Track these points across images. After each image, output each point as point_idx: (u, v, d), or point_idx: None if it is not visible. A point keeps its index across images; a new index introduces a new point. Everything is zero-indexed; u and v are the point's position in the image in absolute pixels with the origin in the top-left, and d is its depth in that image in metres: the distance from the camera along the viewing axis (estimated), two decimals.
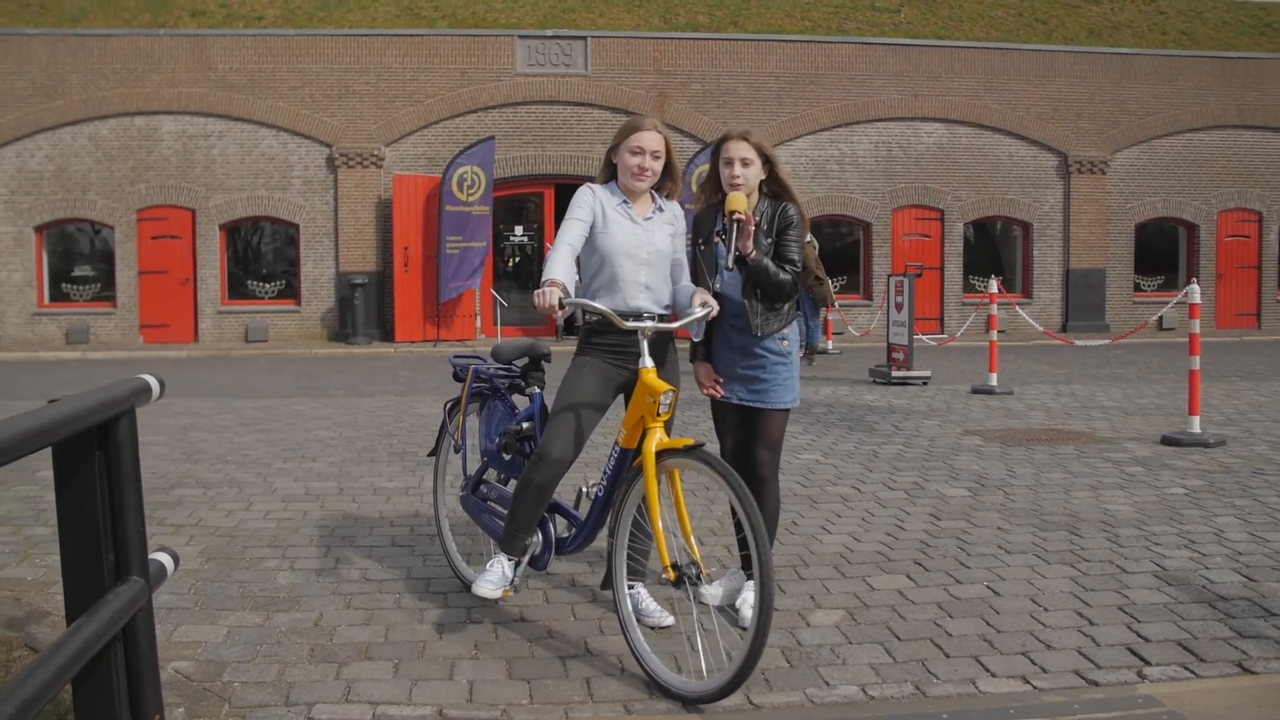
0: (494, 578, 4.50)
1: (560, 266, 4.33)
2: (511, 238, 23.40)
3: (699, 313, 4.43)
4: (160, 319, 22.30)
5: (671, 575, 3.98)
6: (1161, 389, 13.29)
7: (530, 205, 23.49)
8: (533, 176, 22.90)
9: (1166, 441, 9.27)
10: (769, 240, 4.73)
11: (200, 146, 22.25)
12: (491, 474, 5.22)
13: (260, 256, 23.40)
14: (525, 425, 4.84)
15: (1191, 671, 4.19)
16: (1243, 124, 25.08)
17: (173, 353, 20.61)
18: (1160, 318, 22.81)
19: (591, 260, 4.60)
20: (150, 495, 7.36)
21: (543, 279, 4.29)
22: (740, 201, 4.52)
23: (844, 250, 24.27)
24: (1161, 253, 25.50)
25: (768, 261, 4.61)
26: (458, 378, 5.33)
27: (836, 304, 21.43)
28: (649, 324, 4.32)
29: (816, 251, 17.68)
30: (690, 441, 4.05)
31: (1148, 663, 4.27)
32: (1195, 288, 9.80)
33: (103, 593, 3.05)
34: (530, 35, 22.69)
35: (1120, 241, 24.85)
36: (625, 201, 4.62)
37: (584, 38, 22.77)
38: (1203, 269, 24.85)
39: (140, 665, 3.21)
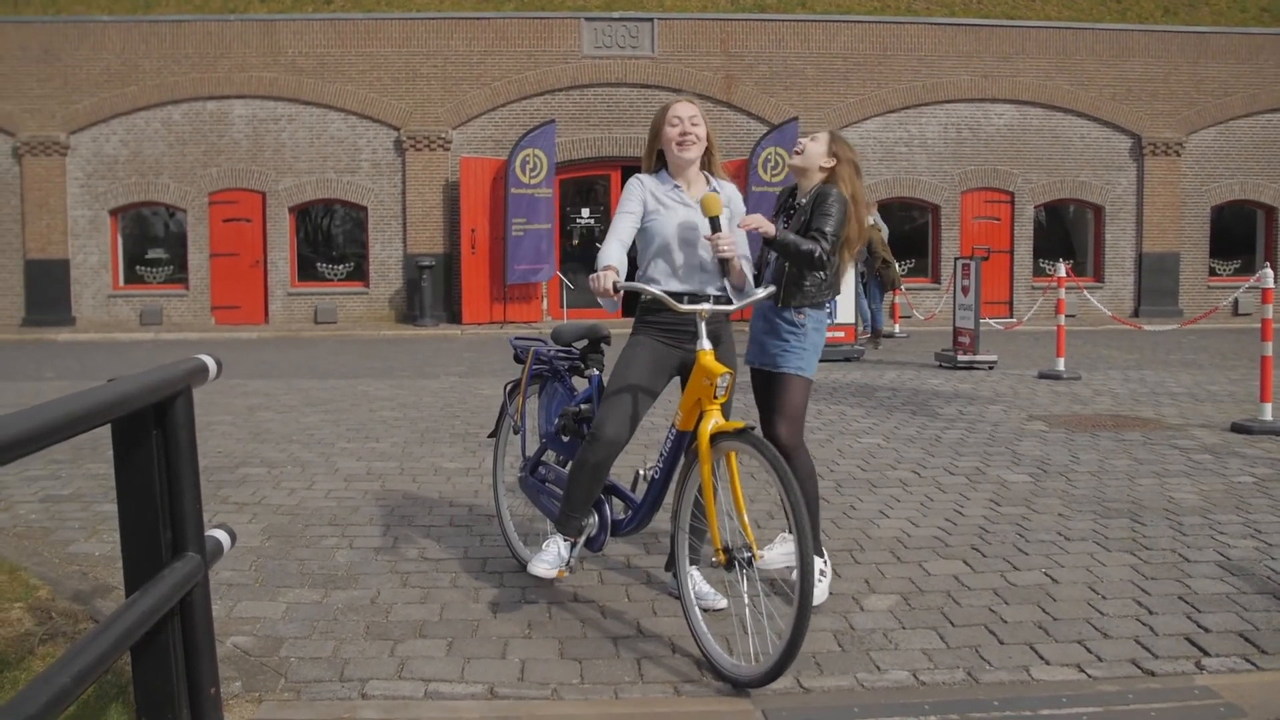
0: (549, 557, 4.52)
1: (613, 253, 4.42)
2: (579, 220, 23.45)
3: (760, 293, 4.51)
4: (231, 301, 22.63)
5: (722, 558, 4.00)
6: (1234, 375, 13.04)
7: (598, 188, 23.52)
8: (599, 159, 22.92)
9: (1237, 429, 9.10)
10: (804, 219, 4.82)
11: (270, 130, 22.52)
12: (550, 455, 5.21)
13: (329, 239, 23.66)
14: (584, 407, 4.83)
15: (1252, 663, 4.13)
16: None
17: (243, 334, 20.91)
18: (1235, 302, 22.37)
19: (649, 246, 4.61)
20: (215, 474, 7.50)
21: (597, 266, 4.35)
22: (715, 205, 4.43)
23: (912, 233, 24.03)
24: (1238, 236, 24.96)
25: (791, 237, 4.68)
26: (518, 359, 5.31)
27: (904, 288, 21.28)
28: (705, 306, 4.31)
29: (886, 236, 17.61)
30: (741, 424, 4.05)
31: (1207, 653, 4.21)
32: (1269, 272, 9.60)
33: (160, 568, 3.12)
34: (597, 17, 22.68)
35: (1195, 225, 24.36)
36: (677, 186, 4.64)
37: (650, 19, 22.71)
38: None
39: (197, 638, 3.28)
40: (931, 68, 23.33)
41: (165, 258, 23.04)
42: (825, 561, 4.94)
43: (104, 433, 3.01)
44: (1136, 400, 10.99)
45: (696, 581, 4.64)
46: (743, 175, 21.68)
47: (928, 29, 23.42)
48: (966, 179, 23.67)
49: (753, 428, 4.07)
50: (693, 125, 4.58)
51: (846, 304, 15.18)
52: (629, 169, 22.79)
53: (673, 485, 4.44)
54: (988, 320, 16.50)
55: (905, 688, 3.95)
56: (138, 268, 22.98)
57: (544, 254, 21.87)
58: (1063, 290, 13.83)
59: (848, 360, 14.88)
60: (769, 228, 4.51)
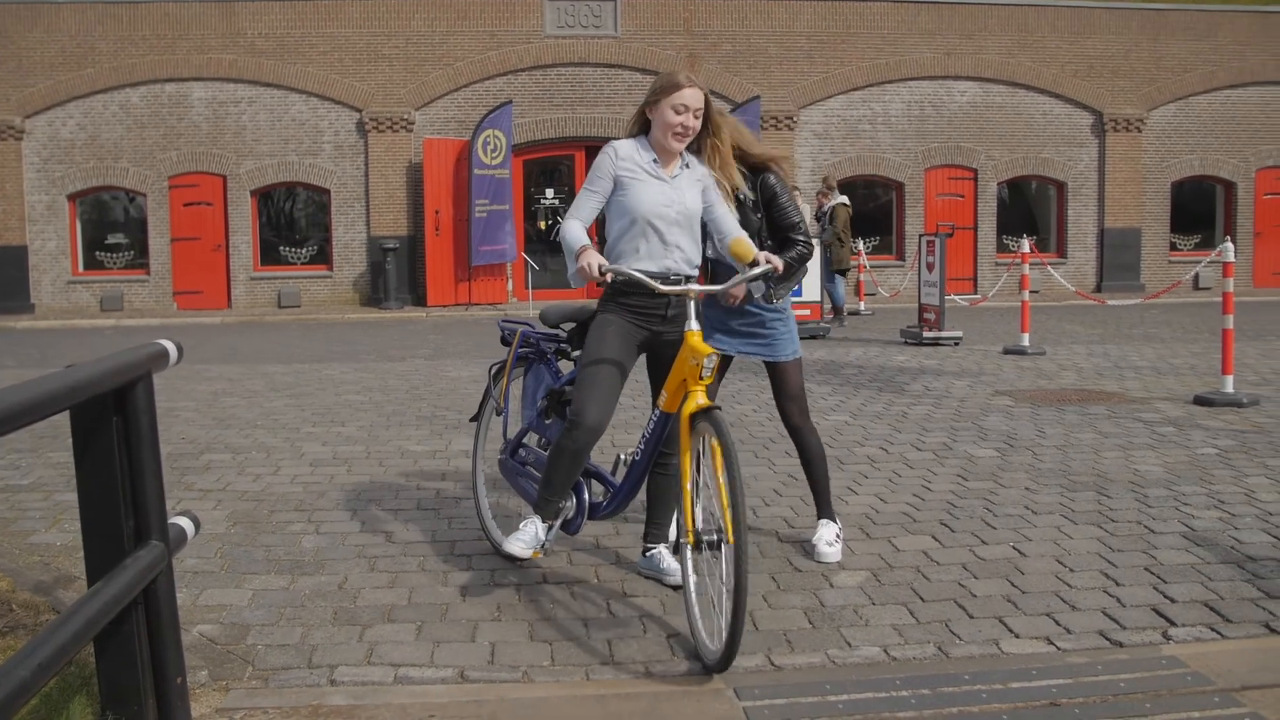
0: (526, 537, 4.45)
1: (581, 233, 4.30)
2: (542, 201, 23.36)
3: (756, 271, 4.31)
4: (193, 285, 22.42)
5: (690, 539, 3.96)
6: (1195, 349, 13.15)
7: (561, 168, 23.44)
8: (563, 139, 22.82)
9: (1199, 401, 9.18)
10: (759, 216, 4.86)
11: (230, 113, 22.29)
12: (531, 438, 5.17)
13: (292, 222, 23.48)
14: (569, 389, 4.74)
15: (1217, 632, 4.16)
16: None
17: (206, 319, 20.74)
18: (1196, 277, 22.56)
19: (619, 221, 4.46)
20: (179, 460, 7.43)
21: (574, 249, 4.23)
22: (748, 250, 4.35)
23: (876, 211, 24.09)
24: (1198, 211, 25.17)
25: (792, 257, 4.77)
26: (505, 341, 5.22)
27: (868, 265, 21.31)
28: (696, 287, 4.23)
29: (849, 214, 17.63)
30: (707, 403, 4.05)
31: (1173, 624, 4.24)
32: (1229, 246, 9.67)
33: (122, 557, 3.08)
34: None
35: (1156, 200, 24.54)
36: (655, 160, 4.46)
37: None
38: (1240, 227, 24.50)
39: (161, 628, 3.24)
40: (894, 46, 23.35)
41: (125, 243, 22.79)
42: (838, 527, 5.22)
43: (65, 420, 2.97)
44: (1100, 374, 11.06)
45: (663, 559, 4.78)
46: None
47: (890, 7, 23.42)
48: (930, 156, 23.74)
49: (717, 406, 4.05)
50: (694, 119, 4.41)
51: (812, 282, 15.20)
52: (593, 149, 22.67)
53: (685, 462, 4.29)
54: (953, 296, 16.57)
55: (876, 663, 3.95)
56: (97, 253, 22.72)
57: (507, 235, 21.79)
58: (1027, 266, 13.89)
59: (813, 338, 14.90)
60: (778, 262, 4.30)
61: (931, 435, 8.02)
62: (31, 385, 2.55)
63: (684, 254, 4.46)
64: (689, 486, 4.02)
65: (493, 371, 5.35)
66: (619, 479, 4.62)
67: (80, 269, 22.54)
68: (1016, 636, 4.15)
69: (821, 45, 23.12)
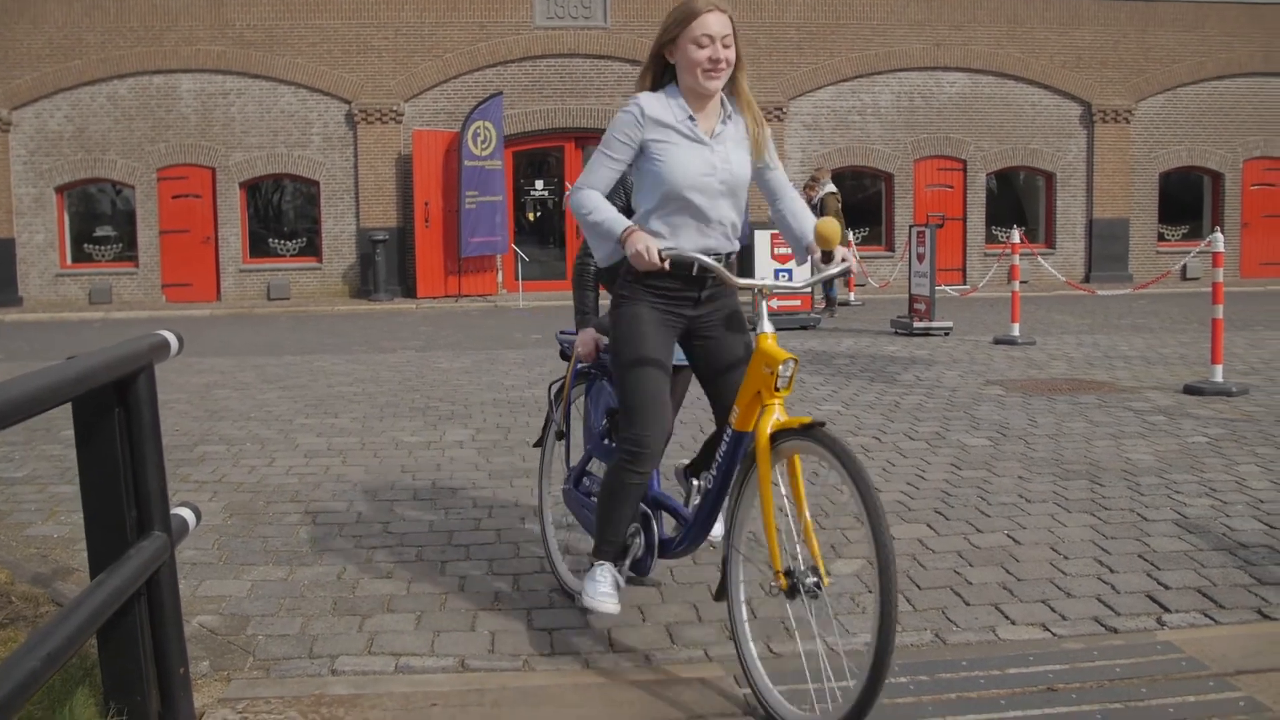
0: (607, 588, 3.86)
1: (615, 211, 3.65)
2: (532, 192, 23.35)
3: (835, 270, 3.65)
4: (182, 278, 22.36)
5: (783, 583, 3.34)
6: (1185, 338, 13.21)
7: (551, 160, 23.43)
8: (553, 130, 22.79)
9: (1189, 390, 9.23)
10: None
11: (219, 105, 22.21)
12: (595, 465, 4.53)
13: (281, 214, 23.43)
14: None
15: (1211, 618, 4.20)
16: (1270, 71, 24.67)
17: (195, 311, 20.69)
18: (1184, 267, 22.63)
19: (649, 195, 3.73)
20: (173, 453, 7.42)
21: (616, 230, 3.56)
22: (836, 233, 3.57)
23: (866, 201, 24.11)
24: (1186, 202, 25.24)
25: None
26: (565, 355, 4.65)
27: (858, 256, 21.33)
28: (767, 282, 3.59)
29: (839, 204, 17.67)
30: (807, 420, 3.35)
31: (1167, 610, 4.28)
32: (1219, 236, 9.72)
33: (125, 548, 3.09)
34: None
35: (1144, 191, 24.60)
36: (691, 116, 3.68)
37: None
38: (1228, 218, 24.57)
39: (164, 619, 3.25)
40: (884, 36, 23.35)
41: (114, 235, 22.70)
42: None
43: (58, 413, 2.98)
44: (1090, 364, 11.11)
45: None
46: None
47: None
48: (919, 147, 23.76)
49: (822, 423, 3.32)
50: (725, 48, 3.60)
51: (802, 272, 15.21)
52: (582, 141, 22.73)
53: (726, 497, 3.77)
54: (943, 287, 16.61)
55: (851, 652, 3.98)
56: (85, 246, 22.63)
57: (498, 226, 21.77)
58: (1017, 256, 13.93)
59: (804, 328, 14.95)
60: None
61: (924, 425, 8.05)
62: (34, 377, 2.55)
63: (725, 229, 3.79)
64: (774, 519, 3.36)
65: (553, 391, 4.76)
66: (689, 507, 4.04)
67: (68, 262, 22.45)
68: (1013, 623, 4.19)
69: (811, 36, 23.12)
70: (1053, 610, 4.29)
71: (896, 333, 14.41)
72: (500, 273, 22.48)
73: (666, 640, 4.10)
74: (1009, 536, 5.25)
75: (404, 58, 22.25)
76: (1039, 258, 18.11)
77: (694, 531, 3.88)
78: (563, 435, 4.63)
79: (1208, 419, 8.06)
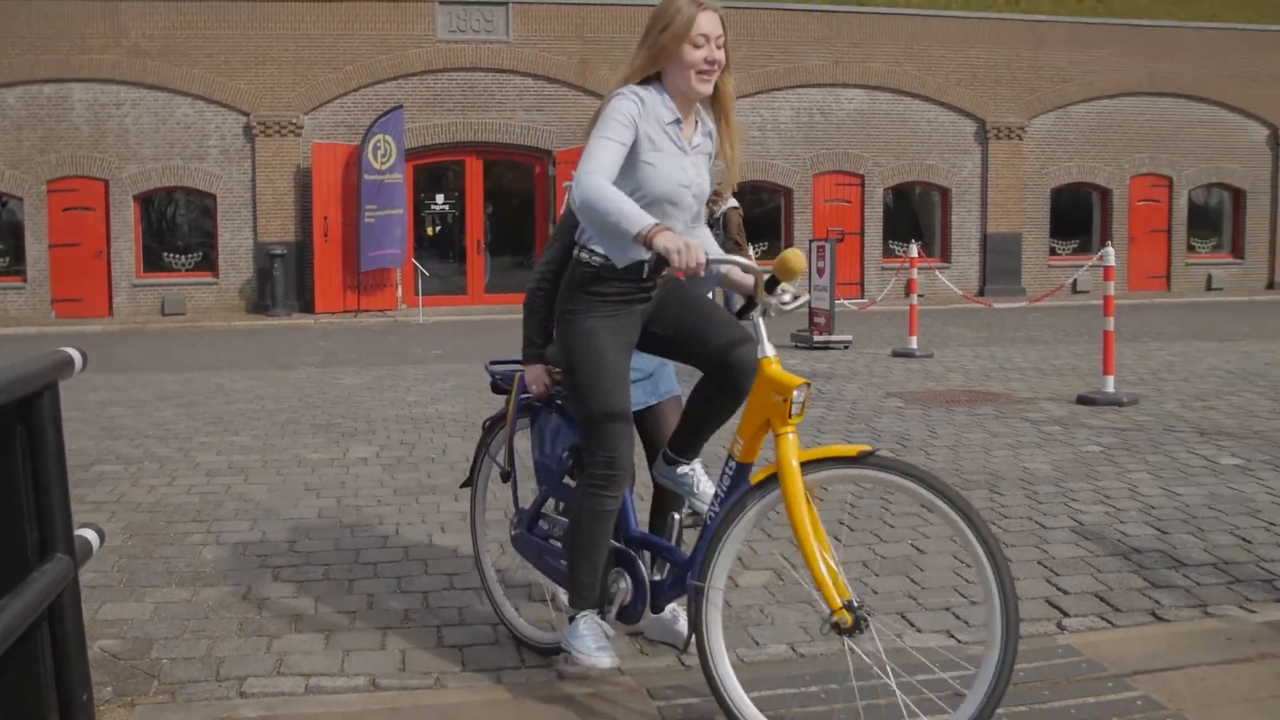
0: (596, 640, 3.59)
1: (634, 204, 3.21)
2: (433, 206, 23.23)
3: (799, 301, 3.46)
4: (73, 293, 21.82)
5: (848, 618, 3.11)
6: (1077, 350, 13.56)
7: (450, 173, 23.34)
8: (454, 144, 22.72)
9: (1082, 401, 9.48)
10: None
11: (113, 115, 21.75)
12: (550, 505, 4.18)
13: (176, 228, 23.02)
14: None
15: (1108, 621, 4.33)
16: (1155, 91, 25.55)
17: (87, 327, 20.22)
18: (1075, 281, 23.25)
19: (625, 191, 3.37)
20: (70, 472, 7.21)
21: (637, 226, 3.11)
22: (800, 264, 3.30)
23: (765, 216, 24.38)
24: (1076, 217, 25.98)
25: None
26: (498, 389, 4.27)
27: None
28: (773, 300, 3.37)
29: (741, 218, 17.81)
30: (863, 448, 3.14)
31: (1066, 614, 4.41)
32: (1110, 250, 10.02)
33: (27, 571, 3.01)
34: (451, 1, 22.44)
35: (1036, 206, 25.25)
36: (678, 121, 3.50)
37: (506, 4, 22.56)
38: (1116, 233, 25.32)
39: (67, 645, 3.18)
40: (785, 53, 23.67)
41: (0, 249, 22.09)
42: None
43: None
44: (987, 376, 11.36)
45: (699, 477, 3.75)
46: None
47: (781, 15, 23.76)
48: (818, 162, 24.11)
49: (876, 449, 3.15)
50: (719, 50, 3.42)
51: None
52: (485, 153, 22.72)
53: (674, 530, 3.70)
54: (842, 301, 16.85)
55: (785, 660, 4.04)
56: None
57: (397, 240, 21.64)
58: (914, 270, 14.20)
59: None
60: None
61: (826, 437, 8.16)
62: None
63: None
64: (815, 554, 3.16)
65: (488, 426, 4.39)
66: (681, 544, 3.81)
67: None
68: (919, 631, 4.27)
69: None
70: (957, 618, 4.39)
71: (797, 346, 14.59)
72: (400, 288, 22.32)
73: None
74: (913, 546, 5.35)
75: (303, 70, 22.01)
76: (936, 272, 18.47)
77: (695, 562, 3.52)
78: (508, 476, 4.22)
79: (1101, 428, 8.29)
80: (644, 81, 3.51)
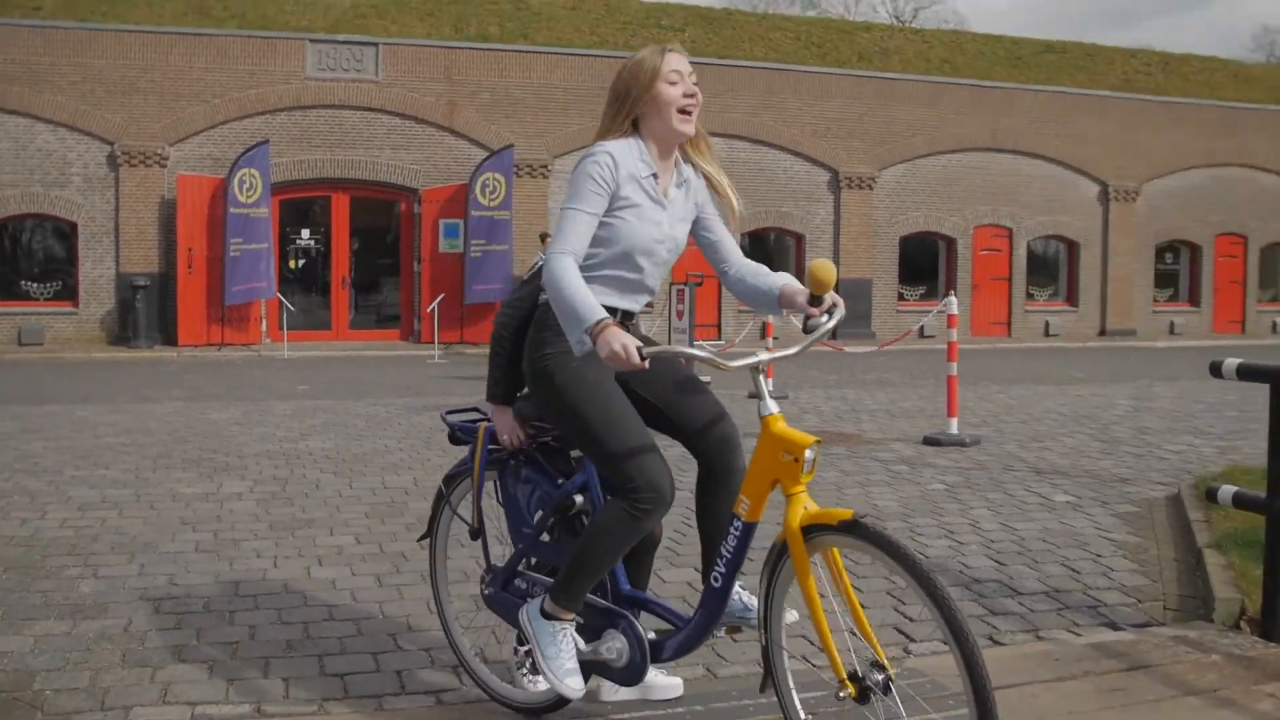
0: (569, 660, 3.47)
1: (591, 295, 3.18)
2: (298, 240, 23.14)
3: (830, 322, 3.38)
4: None
5: (851, 690, 3.05)
6: (924, 393, 14.21)
7: (316, 208, 23.29)
8: (321, 180, 22.69)
9: (928, 441, 10.01)
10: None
11: None
12: (527, 563, 3.96)
13: (33, 256, 22.49)
14: (579, 499, 3.64)
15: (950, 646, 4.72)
16: (996, 147, 26.89)
17: None
18: (922, 326, 24.19)
19: (598, 249, 3.41)
20: None
21: (586, 320, 3.09)
22: (830, 275, 3.30)
23: None
24: (923, 264, 27.07)
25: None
26: (457, 439, 4.13)
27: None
28: (765, 356, 3.31)
29: None
30: (847, 514, 3.07)
31: (912, 639, 4.80)
32: (953, 299, 10.63)
33: None
34: (321, 39, 22.49)
35: (885, 253, 26.24)
36: (655, 175, 3.45)
37: (375, 44, 22.70)
38: (960, 280, 26.45)
39: None
40: None
41: None
42: None
43: None
44: (840, 417, 11.87)
45: (740, 595, 3.52)
46: (462, 200, 22.16)
47: None
48: None
49: (864, 516, 3.06)
50: (694, 85, 3.44)
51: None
52: (351, 189, 22.76)
53: (747, 584, 3.50)
54: (701, 342, 17.31)
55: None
56: None
57: (262, 274, 21.48)
58: (770, 315, 14.70)
59: None
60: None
61: (686, 476, 8.46)
62: None
63: (647, 296, 3.64)
64: (826, 623, 3.11)
65: (448, 479, 4.20)
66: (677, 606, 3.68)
67: None
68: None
69: (578, 98, 23.76)
70: (812, 644, 4.73)
71: None
72: (265, 322, 22.15)
73: (455, 681, 4.32)
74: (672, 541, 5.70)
75: (170, 101, 21.78)
76: (789, 316, 19.13)
77: (694, 631, 3.41)
78: (478, 534, 3.99)
79: (945, 467, 8.82)
80: (624, 133, 3.46)
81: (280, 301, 21.71)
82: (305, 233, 23.18)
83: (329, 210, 23.10)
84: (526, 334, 3.60)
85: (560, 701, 3.75)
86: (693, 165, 3.62)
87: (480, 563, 4.08)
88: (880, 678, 3.01)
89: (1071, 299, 28.17)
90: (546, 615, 3.51)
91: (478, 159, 22.60)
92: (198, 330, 21.34)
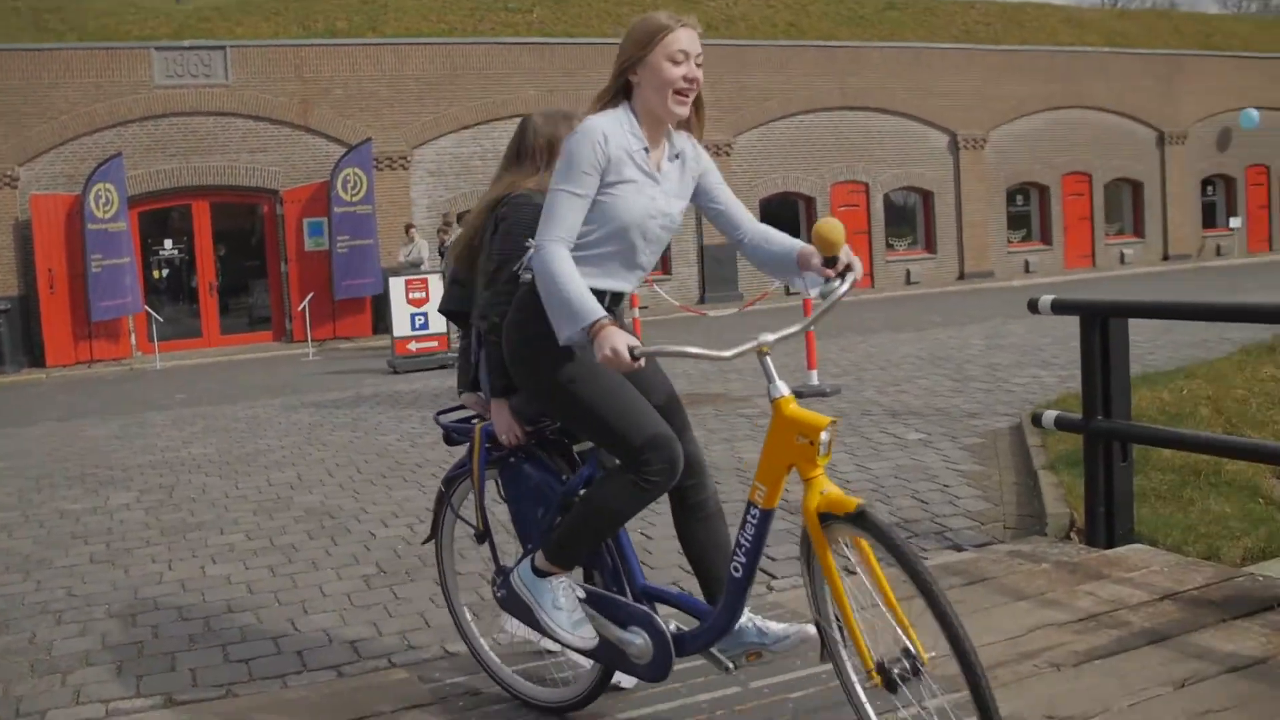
0: (573, 612, 3.40)
1: (586, 289, 3.11)
2: (161, 252, 22.89)
3: (844, 285, 3.20)
4: None
5: (877, 679, 2.91)
6: (787, 349, 14.74)
7: (177, 217, 23.01)
8: (179, 189, 22.37)
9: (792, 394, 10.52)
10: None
11: None
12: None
13: None
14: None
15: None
16: (846, 105, 27.60)
17: None
18: (787, 285, 24.86)
19: (589, 229, 3.27)
20: None
21: (582, 317, 3.02)
22: (838, 231, 3.19)
23: None
24: (785, 224, 27.26)
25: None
26: (452, 440, 3.98)
27: None
28: (767, 338, 3.08)
29: None
30: (854, 503, 2.92)
31: (774, 576, 5.29)
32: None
33: None
34: (167, 47, 22.17)
35: None
36: (646, 149, 3.31)
37: (223, 47, 22.44)
38: None
39: None
40: (500, 85, 24.40)
41: None
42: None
43: None
44: (707, 379, 12.34)
45: (751, 623, 3.34)
46: (324, 198, 22.19)
47: (494, 48, 24.51)
48: None
49: (870, 507, 2.94)
50: (698, 68, 3.25)
51: (437, 314, 15.91)
52: (211, 198, 22.59)
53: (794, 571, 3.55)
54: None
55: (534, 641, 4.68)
56: None
57: (127, 289, 21.23)
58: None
59: (443, 367, 15.63)
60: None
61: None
62: None
63: (641, 274, 3.47)
64: (852, 612, 2.98)
65: (448, 481, 4.03)
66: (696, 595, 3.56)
67: None
68: None
69: (431, 87, 23.86)
70: (682, 588, 5.14)
71: None
72: (134, 335, 21.90)
73: (354, 655, 4.67)
74: (643, 534, 6.10)
75: (14, 120, 21.28)
76: (654, 285, 19.57)
77: (717, 623, 3.27)
78: (484, 537, 3.80)
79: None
80: (613, 100, 3.34)
81: (148, 314, 21.50)
82: (168, 243, 22.90)
83: (190, 218, 22.86)
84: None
85: (592, 694, 3.65)
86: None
87: (489, 564, 3.91)
88: (911, 664, 2.86)
89: (930, 247, 29.12)
90: (540, 573, 3.42)
91: (336, 155, 22.58)
92: (65, 350, 21.03)
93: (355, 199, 22.24)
